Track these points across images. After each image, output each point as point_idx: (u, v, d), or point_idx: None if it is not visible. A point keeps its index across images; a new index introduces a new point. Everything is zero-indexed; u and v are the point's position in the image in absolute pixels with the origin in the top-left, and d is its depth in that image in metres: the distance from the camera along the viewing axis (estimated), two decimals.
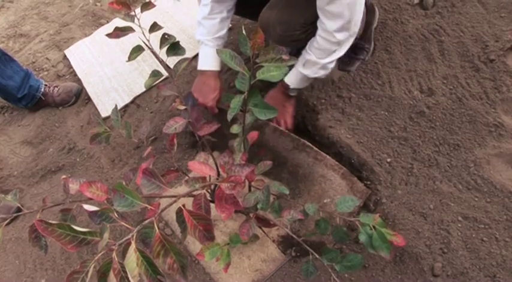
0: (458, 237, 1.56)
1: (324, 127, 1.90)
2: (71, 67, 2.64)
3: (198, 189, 1.20)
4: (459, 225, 1.58)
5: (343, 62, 2.05)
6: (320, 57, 1.66)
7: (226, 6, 1.79)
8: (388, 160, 1.76)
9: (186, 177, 1.84)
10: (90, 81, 2.50)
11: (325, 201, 1.71)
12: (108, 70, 2.51)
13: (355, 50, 2.03)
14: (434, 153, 1.73)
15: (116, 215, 0.99)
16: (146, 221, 1.01)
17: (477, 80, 1.85)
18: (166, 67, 1.61)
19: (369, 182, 1.74)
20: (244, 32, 1.29)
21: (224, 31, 1.83)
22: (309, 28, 1.74)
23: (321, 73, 1.72)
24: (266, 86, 1.99)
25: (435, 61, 1.95)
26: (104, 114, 2.31)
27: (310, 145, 1.77)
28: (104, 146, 2.19)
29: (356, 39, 1.99)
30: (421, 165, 1.72)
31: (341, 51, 1.66)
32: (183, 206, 1.11)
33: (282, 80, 1.79)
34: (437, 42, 2.00)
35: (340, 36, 1.58)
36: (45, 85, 2.48)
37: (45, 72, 2.69)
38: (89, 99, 2.46)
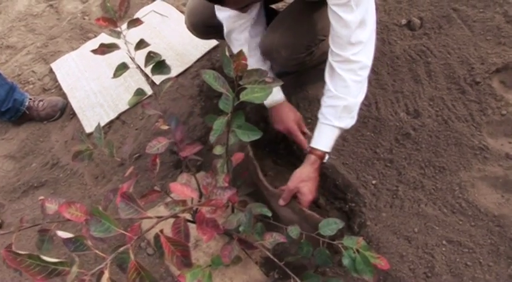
0: (442, 261, 1.55)
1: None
2: (57, 81, 2.61)
3: (178, 212, 1.18)
4: (443, 249, 1.57)
5: None
6: (354, 95, 1.46)
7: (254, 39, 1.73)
8: (374, 182, 1.75)
9: (168, 199, 1.82)
10: (75, 96, 2.48)
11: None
12: (94, 85, 2.49)
13: None
14: (420, 175, 1.73)
15: (89, 242, 0.96)
16: (121, 249, 0.99)
17: (463, 102, 1.85)
18: (152, 84, 1.61)
19: (353, 204, 1.73)
20: (227, 52, 1.28)
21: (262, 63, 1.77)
22: (314, 49, 1.72)
23: (356, 114, 1.51)
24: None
25: (422, 82, 1.95)
26: (88, 129, 2.28)
27: (261, 179, 1.68)
28: (87, 163, 2.16)
29: None
30: (406, 188, 1.71)
31: (366, 81, 1.49)
32: (161, 231, 1.09)
33: (312, 150, 1.53)
34: (424, 64, 2.00)
35: (361, 57, 1.43)
36: (30, 99, 2.45)
37: (31, 86, 2.66)
38: (74, 114, 2.43)
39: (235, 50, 1.73)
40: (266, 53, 1.73)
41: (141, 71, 1.58)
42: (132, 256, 0.96)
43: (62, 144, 2.32)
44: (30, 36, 3.03)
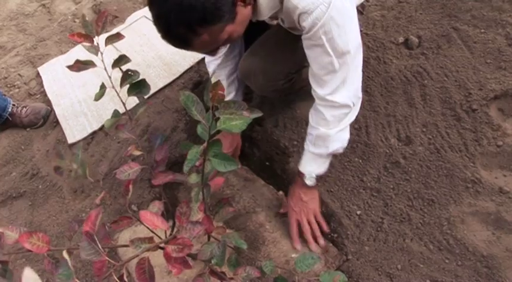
0: None
1: (294, 172, 1.80)
2: (43, 86, 2.54)
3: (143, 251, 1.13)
4: None
5: None
6: (330, 127, 1.47)
7: (225, 72, 1.73)
8: (358, 212, 1.67)
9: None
10: (60, 103, 2.40)
11: (292, 255, 1.61)
12: (80, 93, 2.41)
13: None
14: (407, 207, 1.65)
15: None
16: None
17: (457, 131, 1.76)
18: (126, 107, 1.53)
19: (335, 235, 1.65)
20: (212, 79, 1.21)
21: (233, 94, 1.77)
22: (294, 77, 1.64)
23: (337, 146, 1.52)
24: None
25: (416, 107, 1.87)
26: (70, 140, 2.21)
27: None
28: (67, 175, 2.09)
29: None
30: (392, 220, 1.63)
31: (352, 116, 1.49)
32: (121, 277, 1.04)
33: (298, 174, 1.63)
34: (420, 86, 1.92)
35: (338, 98, 1.41)
36: (13, 105, 2.38)
37: (17, 90, 2.59)
38: (57, 122, 2.36)
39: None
40: (244, 76, 1.68)
41: (118, 94, 1.50)
42: None
43: (43, 154, 2.25)
44: (20, 37, 2.97)
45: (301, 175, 1.60)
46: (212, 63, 1.73)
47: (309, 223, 1.61)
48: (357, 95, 1.44)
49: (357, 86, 1.42)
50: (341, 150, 1.56)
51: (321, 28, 1.24)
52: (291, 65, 1.59)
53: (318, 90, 1.42)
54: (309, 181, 1.59)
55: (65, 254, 1.01)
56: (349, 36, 1.30)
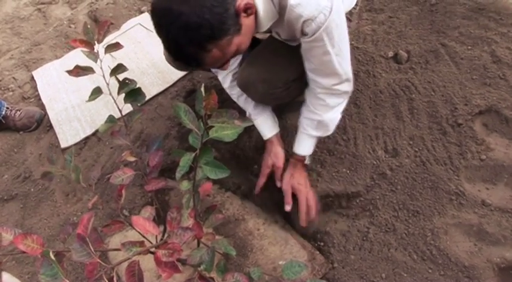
0: None
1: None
2: (37, 90, 2.57)
3: (134, 254, 1.15)
4: None
5: None
6: (329, 112, 1.61)
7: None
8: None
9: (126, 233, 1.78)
10: (53, 108, 2.43)
11: (280, 262, 1.64)
12: (74, 97, 2.44)
13: None
14: (393, 218, 1.69)
15: None
16: None
17: (443, 144, 1.81)
18: (122, 114, 1.56)
19: (322, 244, 1.69)
20: (203, 89, 1.24)
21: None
22: (291, 85, 1.68)
23: (334, 127, 1.68)
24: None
25: (403, 120, 1.91)
26: (63, 144, 2.23)
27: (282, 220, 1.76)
28: (59, 179, 2.12)
29: None
30: (378, 230, 1.67)
31: (347, 100, 1.65)
32: (110, 279, 1.06)
33: (294, 155, 1.75)
34: (408, 100, 1.97)
35: (342, 87, 1.55)
36: (7, 108, 2.40)
37: (10, 93, 2.61)
38: (50, 126, 2.38)
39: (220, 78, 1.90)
40: (243, 87, 1.72)
41: (114, 101, 1.54)
42: None
43: (36, 157, 2.27)
44: (15, 40, 2.99)
45: (302, 158, 1.73)
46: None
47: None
48: (351, 82, 1.58)
49: (350, 75, 1.55)
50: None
51: (324, 31, 1.32)
52: (289, 73, 1.63)
53: (322, 81, 1.52)
54: (308, 161, 1.76)
55: (51, 255, 1.03)
56: (344, 33, 1.42)
